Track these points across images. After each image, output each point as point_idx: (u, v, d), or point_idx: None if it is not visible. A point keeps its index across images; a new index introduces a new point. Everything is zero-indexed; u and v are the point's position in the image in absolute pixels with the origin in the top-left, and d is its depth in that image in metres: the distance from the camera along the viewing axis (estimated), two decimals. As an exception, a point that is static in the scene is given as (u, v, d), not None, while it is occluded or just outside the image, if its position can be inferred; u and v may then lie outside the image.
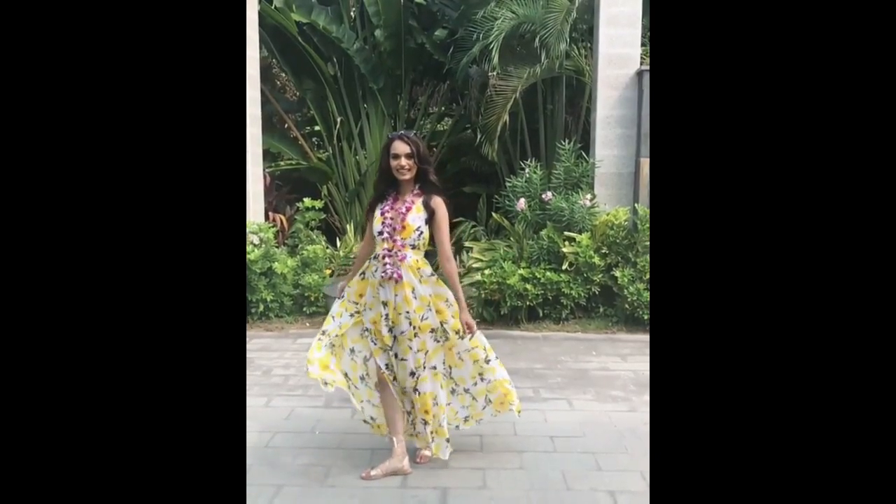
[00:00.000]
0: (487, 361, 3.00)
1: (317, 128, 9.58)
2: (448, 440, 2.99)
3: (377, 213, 2.92)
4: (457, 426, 3.12)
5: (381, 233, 2.88)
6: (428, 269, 2.89)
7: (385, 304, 2.87)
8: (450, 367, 3.02)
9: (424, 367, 2.89)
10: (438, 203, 2.86)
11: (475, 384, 3.04)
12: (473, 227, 7.69)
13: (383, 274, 2.84)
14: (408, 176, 2.84)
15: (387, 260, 2.84)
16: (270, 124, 9.27)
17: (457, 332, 2.90)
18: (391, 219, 2.86)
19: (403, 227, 2.83)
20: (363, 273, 2.99)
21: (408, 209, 2.85)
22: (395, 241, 2.83)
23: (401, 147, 2.81)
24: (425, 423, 2.96)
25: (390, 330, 2.87)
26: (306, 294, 6.01)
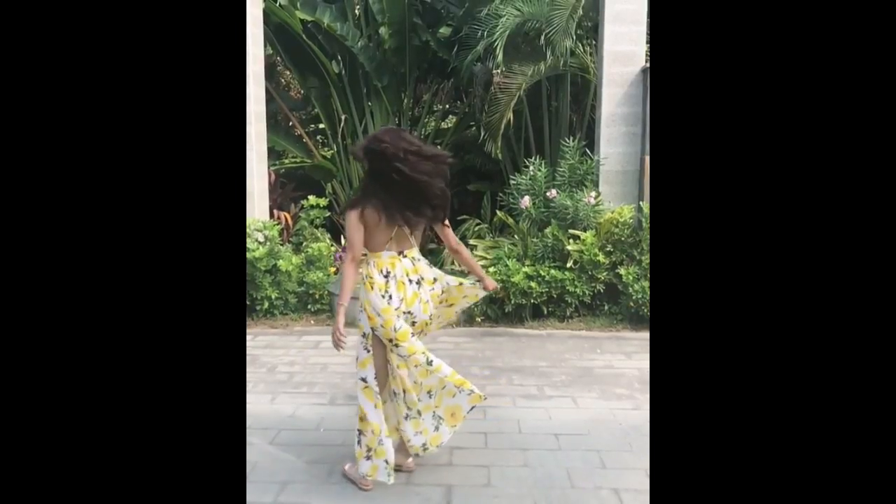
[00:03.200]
0: (430, 363, 2.76)
1: (321, 125, 9.59)
2: (387, 462, 2.72)
3: None
4: (416, 454, 2.91)
5: None
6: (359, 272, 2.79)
7: None
8: (402, 391, 2.81)
9: (356, 376, 2.86)
10: (346, 208, 2.74)
11: (418, 399, 2.81)
12: (478, 224, 7.69)
13: None
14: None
15: None
16: (275, 122, 9.27)
17: (390, 341, 2.72)
18: None
19: None
20: None
21: None
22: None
23: None
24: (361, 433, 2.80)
25: None
26: (311, 292, 6.03)
